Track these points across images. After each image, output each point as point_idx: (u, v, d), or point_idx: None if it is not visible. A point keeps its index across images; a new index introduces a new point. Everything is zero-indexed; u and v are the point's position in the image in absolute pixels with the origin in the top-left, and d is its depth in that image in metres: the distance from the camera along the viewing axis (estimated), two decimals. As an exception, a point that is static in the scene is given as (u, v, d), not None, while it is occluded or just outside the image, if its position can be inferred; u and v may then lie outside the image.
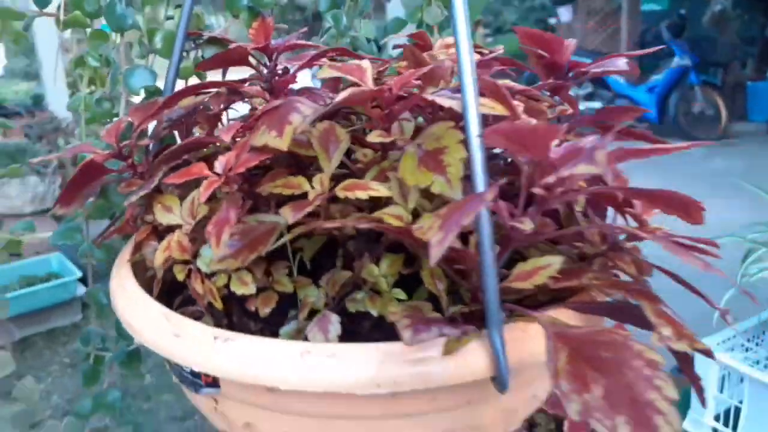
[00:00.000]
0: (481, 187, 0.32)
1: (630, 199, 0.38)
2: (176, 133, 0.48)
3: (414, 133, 0.39)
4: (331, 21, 0.59)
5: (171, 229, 0.41)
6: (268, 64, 0.52)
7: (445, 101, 0.34)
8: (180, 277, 0.39)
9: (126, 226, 0.43)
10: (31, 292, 2.14)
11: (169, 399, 1.86)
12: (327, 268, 0.43)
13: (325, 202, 0.34)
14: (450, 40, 0.48)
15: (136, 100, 0.53)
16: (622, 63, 0.45)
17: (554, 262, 0.34)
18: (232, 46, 0.51)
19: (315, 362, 0.35)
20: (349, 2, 0.60)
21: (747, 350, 1.15)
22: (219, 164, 0.35)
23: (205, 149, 0.42)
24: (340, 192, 0.35)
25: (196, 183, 0.45)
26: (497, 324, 0.34)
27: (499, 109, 0.34)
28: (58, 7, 0.51)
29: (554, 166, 0.32)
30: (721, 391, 1.14)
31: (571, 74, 0.51)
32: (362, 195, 0.35)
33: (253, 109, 0.49)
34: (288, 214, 0.33)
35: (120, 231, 0.44)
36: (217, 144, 0.42)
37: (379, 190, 0.35)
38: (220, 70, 0.54)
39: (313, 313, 0.40)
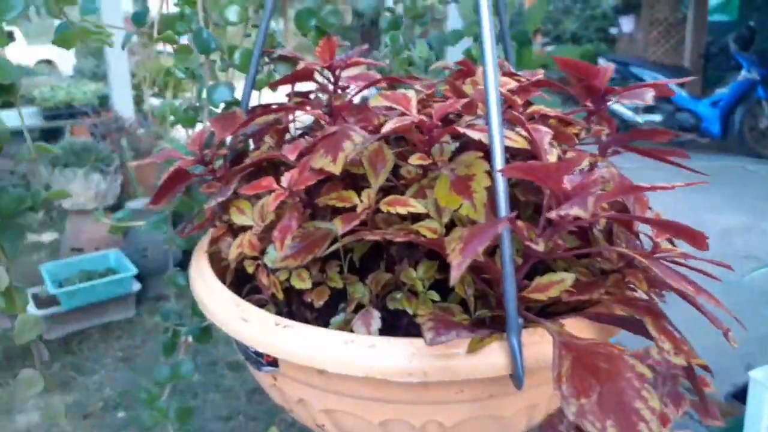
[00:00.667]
0: (503, 212, 0.37)
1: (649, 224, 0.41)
2: (251, 141, 0.55)
3: (452, 156, 0.44)
4: (389, 42, 0.65)
5: (243, 228, 0.48)
6: (331, 79, 0.58)
7: (475, 134, 0.39)
8: (249, 270, 0.46)
9: (206, 222, 0.50)
10: (89, 287, 2.22)
11: (215, 398, 1.91)
12: (373, 268, 0.49)
13: (371, 214, 0.40)
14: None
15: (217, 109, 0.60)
16: (648, 96, 0.48)
17: (567, 278, 0.39)
18: (300, 65, 0.58)
19: (357, 351, 0.41)
20: (407, 22, 0.66)
21: None
22: (285, 180, 0.42)
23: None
24: (383, 206, 0.41)
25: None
26: (515, 328, 0.39)
27: (520, 143, 0.39)
28: (151, 25, 0.59)
29: (568, 197, 0.37)
30: None
31: (607, 97, 0.55)
32: (402, 210, 0.41)
33: (316, 122, 0.55)
34: (339, 225, 0.39)
35: (201, 227, 0.51)
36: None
37: (417, 207, 0.41)
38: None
39: (359, 308, 0.46)
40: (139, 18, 0.57)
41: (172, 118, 0.63)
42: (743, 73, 4.48)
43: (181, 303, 0.72)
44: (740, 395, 1.24)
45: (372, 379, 0.42)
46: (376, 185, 0.43)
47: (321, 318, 0.49)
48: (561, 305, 0.45)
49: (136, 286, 2.36)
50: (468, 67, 0.52)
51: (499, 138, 0.37)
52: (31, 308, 2.14)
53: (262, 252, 0.46)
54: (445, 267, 0.46)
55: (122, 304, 2.37)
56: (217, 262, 0.53)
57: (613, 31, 6.77)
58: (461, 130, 0.39)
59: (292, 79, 0.56)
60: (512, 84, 0.49)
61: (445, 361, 0.40)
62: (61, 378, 1.99)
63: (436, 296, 0.45)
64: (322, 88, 0.58)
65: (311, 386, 0.46)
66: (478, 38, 0.75)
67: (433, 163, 0.43)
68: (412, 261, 0.45)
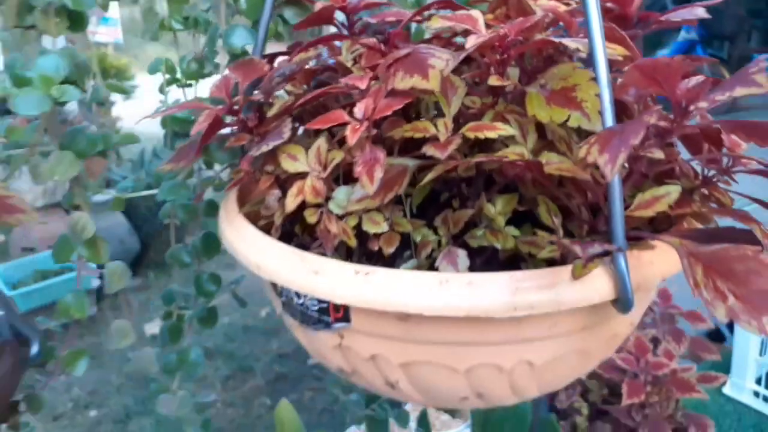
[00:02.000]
0: (609, 121, 0.35)
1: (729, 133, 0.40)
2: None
3: (523, 78, 0.42)
4: None
5: (295, 176, 0.43)
6: (346, 22, 0.54)
7: (572, 43, 0.36)
8: (312, 219, 0.42)
9: (245, 176, 0.45)
10: (45, 286, 2.13)
11: (189, 387, 1.90)
12: (428, 214, 0.46)
13: (457, 142, 0.37)
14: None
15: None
16: (700, 11, 0.47)
17: (672, 191, 0.37)
18: (318, 6, 0.53)
19: (454, 290, 0.38)
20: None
21: None
22: (358, 110, 0.38)
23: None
24: (468, 133, 0.38)
25: (307, 135, 0.48)
26: (623, 249, 0.37)
27: (620, 51, 0.37)
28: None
29: (679, 101, 0.35)
30: (762, 354, 1.17)
31: (639, 25, 0.54)
32: (491, 134, 0.38)
33: (333, 66, 0.51)
34: (434, 151, 0.36)
35: (239, 182, 0.46)
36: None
37: (506, 129, 0.38)
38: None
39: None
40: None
41: (168, 76, 0.57)
42: (682, 34, 4.67)
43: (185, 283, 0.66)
44: (713, 335, 1.30)
45: (465, 321, 0.39)
46: (450, 113, 0.40)
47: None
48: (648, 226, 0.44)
49: (96, 283, 2.23)
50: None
51: (602, 45, 0.35)
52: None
53: (326, 199, 0.41)
54: (520, 200, 0.44)
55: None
56: (252, 222, 0.48)
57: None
58: (557, 40, 0.36)
59: (315, 20, 0.52)
60: (563, 7, 0.47)
61: (550, 292, 0.38)
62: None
63: (515, 231, 0.42)
64: (339, 33, 0.54)
65: (389, 338, 0.42)
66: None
67: (502, 88, 0.41)
68: (490, 195, 0.42)
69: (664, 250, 0.42)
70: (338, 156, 0.40)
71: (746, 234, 0.38)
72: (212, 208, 0.63)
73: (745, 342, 1.18)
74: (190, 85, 0.58)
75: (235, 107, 0.46)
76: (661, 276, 0.41)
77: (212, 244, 0.64)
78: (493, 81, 0.39)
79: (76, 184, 0.48)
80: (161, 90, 0.56)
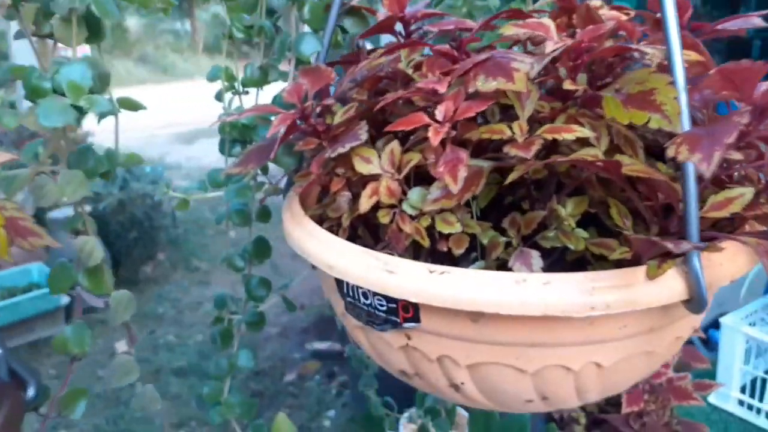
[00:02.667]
0: (687, 124, 0.36)
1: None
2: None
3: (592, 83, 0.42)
4: None
5: (365, 179, 0.44)
6: (403, 32, 0.56)
7: (650, 50, 0.37)
8: (385, 220, 0.43)
9: (318, 179, 0.46)
10: (12, 304, 2.09)
11: (164, 405, 1.88)
12: (493, 216, 0.46)
13: (539, 142, 0.37)
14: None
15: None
16: (757, 20, 0.48)
17: (746, 192, 0.38)
18: (380, 16, 0.55)
19: (531, 289, 0.38)
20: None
21: None
22: (439, 113, 0.39)
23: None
24: (546, 134, 0.39)
25: (373, 138, 0.49)
26: (697, 250, 0.38)
27: (694, 57, 0.38)
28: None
29: (755, 104, 0.36)
30: (746, 363, 1.17)
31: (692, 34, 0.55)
32: (569, 136, 0.38)
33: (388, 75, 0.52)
34: (517, 152, 0.37)
35: (313, 184, 0.47)
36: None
37: (583, 131, 0.38)
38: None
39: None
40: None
41: (226, 83, 0.58)
42: None
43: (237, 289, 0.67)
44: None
45: (537, 321, 0.40)
46: (524, 116, 0.41)
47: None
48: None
49: (65, 300, 2.21)
50: (569, 3, 0.50)
51: (680, 51, 0.36)
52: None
53: (399, 200, 0.42)
54: (590, 203, 0.44)
55: (50, 319, 2.24)
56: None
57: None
58: (633, 47, 0.37)
59: (376, 30, 0.53)
60: (623, 17, 0.48)
61: (626, 291, 0.38)
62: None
63: (584, 233, 0.43)
64: (398, 42, 0.55)
65: (459, 339, 0.43)
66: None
67: (574, 92, 0.42)
68: (559, 198, 0.43)
69: (734, 252, 0.43)
70: (415, 157, 0.41)
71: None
72: (265, 214, 0.64)
73: (730, 351, 1.18)
74: (247, 93, 0.60)
75: (307, 112, 0.47)
76: (730, 277, 0.42)
77: (264, 249, 0.65)
78: (568, 85, 0.40)
79: (80, 206, 0.48)
80: (219, 98, 0.57)
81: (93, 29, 0.45)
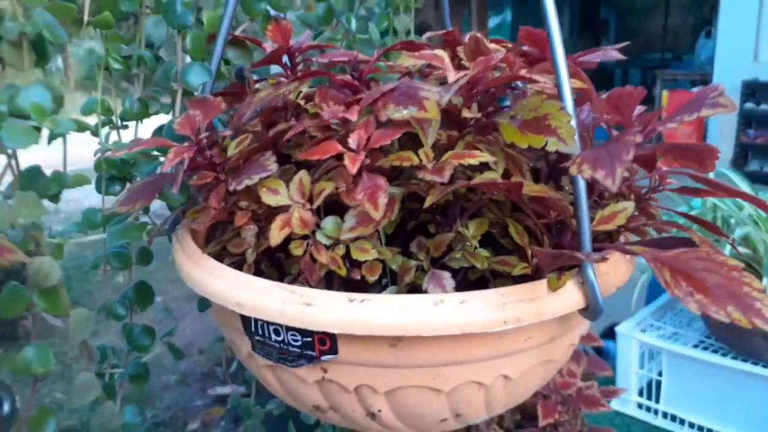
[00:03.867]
0: (578, 149, 0.40)
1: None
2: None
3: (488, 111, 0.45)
4: (345, 23, 0.64)
5: (273, 211, 0.43)
6: (288, 63, 0.56)
7: (540, 77, 0.41)
8: (298, 252, 0.42)
9: (219, 214, 0.44)
10: None
11: None
12: (396, 242, 0.48)
13: (451, 167, 0.39)
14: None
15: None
16: (615, 53, 0.54)
17: (628, 206, 0.42)
18: (268, 48, 0.54)
19: (449, 309, 0.39)
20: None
21: (658, 329, 1.32)
22: (353, 141, 0.39)
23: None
24: (452, 160, 0.41)
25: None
26: (591, 261, 0.41)
27: (578, 84, 0.42)
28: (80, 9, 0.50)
29: (632, 126, 0.40)
30: (642, 367, 1.29)
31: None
32: (473, 161, 0.41)
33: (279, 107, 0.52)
34: (432, 177, 0.38)
35: (212, 219, 0.45)
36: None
37: (485, 156, 0.41)
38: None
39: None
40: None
41: (103, 117, 0.54)
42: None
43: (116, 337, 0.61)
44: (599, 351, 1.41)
45: (453, 340, 0.41)
46: (428, 143, 0.43)
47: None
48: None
49: None
50: (452, 37, 0.53)
51: (568, 79, 0.40)
52: None
53: (312, 231, 0.42)
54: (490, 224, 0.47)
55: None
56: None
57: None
58: (526, 75, 0.41)
59: (267, 61, 0.52)
60: (502, 49, 0.52)
61: (534, 305, 0.41)
62: None
63: (486, 252, 0.45)
64: (285, 73, 0.55)
65: (377, 366, 0.43)
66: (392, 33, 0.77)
67: (468, 120, 0.44)
68: (462, 220, 0.45)
69: (616, 262, 0.47)
70: (328, 186, 0.41)
71: (686, 241, 0.44)
72: (146, 256, 0.60)
73: (625, 356, 1.29)
74: (126, 127, 0.56)
75: (202, 144, 0.45)
76: (616, 285, 0.46)
77: (146, 294, 0.60)
78: (466, 113, 0.42)
79: (33, 227, 0.44)
80: (96, 132, 0.53)
81: (40, 53, 0.43)
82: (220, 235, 0.51)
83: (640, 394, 1.26)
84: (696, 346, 1.22)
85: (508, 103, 0.57)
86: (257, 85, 0.57)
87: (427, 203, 0.39)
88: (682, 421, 1.21)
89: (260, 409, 0.83)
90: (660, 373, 1.23)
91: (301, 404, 0.49)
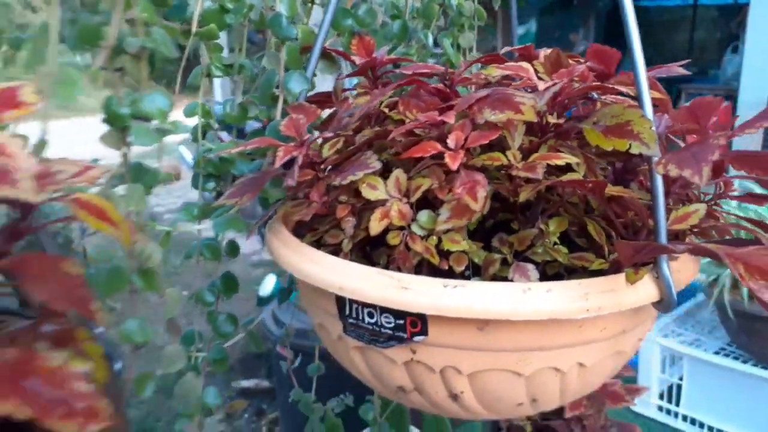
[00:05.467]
0: (659, 152, 0.43)
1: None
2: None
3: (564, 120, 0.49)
4: (423, 39, 0.69)
5: (371, 205, 0.47)
6: (371, 74, 0.61)
7: (622, 88, 0.45)
8: (395, 241, 0.46)
9: (321, 208, 0.49)
10: None
11: None
12: (476, 237, 0.51)
13: (542, 165, 0.43)
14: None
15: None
16: (679, 69, 0.58)
17: (701, 208, 0.46)
18: (357, 61, 0.59)
19: (537, 296, 0.43)
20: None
21: (679, 335, 1.34)
22: (451, 141, 0.43)
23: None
24: (539, 161, 0.45)
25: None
26: (666, 256, 0.45)
27: (656, 94, 0.46)
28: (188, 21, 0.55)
29: (707, 133, 0.44)
30: (663, 372, 1.31)
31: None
32: (559, 162, 0.44)
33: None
34: (527, 174, 0.42)
35: (314, 211, 0.49)
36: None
37: (569, 157, 0.45)
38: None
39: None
40: (179, 12, 0.54)
41: (203, 120, 0.59)
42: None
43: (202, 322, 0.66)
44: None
45: (536, 326, 0.45)
46: (515, 146, 0.47)
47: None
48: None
49: None
50: (528, 51, 0.57)
51: (648, 90, 0.44)
52: None
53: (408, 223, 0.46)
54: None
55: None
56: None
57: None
58: (611, 85, 0.45)
59: (360, 72, 0.57)
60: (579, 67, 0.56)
61: (614, 296, 0.44)
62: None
63: (564, 249, 0.49)
64: (368, 84, 0.60)
65: (464, 348, 0.47)
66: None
67: (554, 125, 0.48)
68: (544, 218, 0.49)
69: (686, 260, 0.51)
70: (426, 182, 0.45)
71: (753, 242, 0.47)
72: (234, 249, 0.65)
73: (648, 361, 1.31)
74: (224, 130, 0.61)
75: (307, 145, 0.50)
76: (685, 282, 0.49)
77: (232, 284, 0.65)
78: (551, 119, 0.46)
79: (138, 215, 0.49)
80: (194, 135, 0.58)
81: (152, 65, 0.49)
82: (304, 232, 0.55)
83: (661, 397, 1.28)
84: (717, 353, 1.23)
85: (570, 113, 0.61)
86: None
87: (522, 198, 0.43)
88: (701, 425, 1.22)
89: (321, 407, 0.87)
90: (681, 378, 1.25)
91: (386, 386, 0.53)
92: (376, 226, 0.46)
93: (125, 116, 0.45)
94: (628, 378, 1.12)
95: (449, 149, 0.43)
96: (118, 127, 0.47)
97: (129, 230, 0.32)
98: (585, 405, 0.80)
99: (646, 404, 1.31)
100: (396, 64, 0.64)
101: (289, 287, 0.75)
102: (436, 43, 0.75)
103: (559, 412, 0.84)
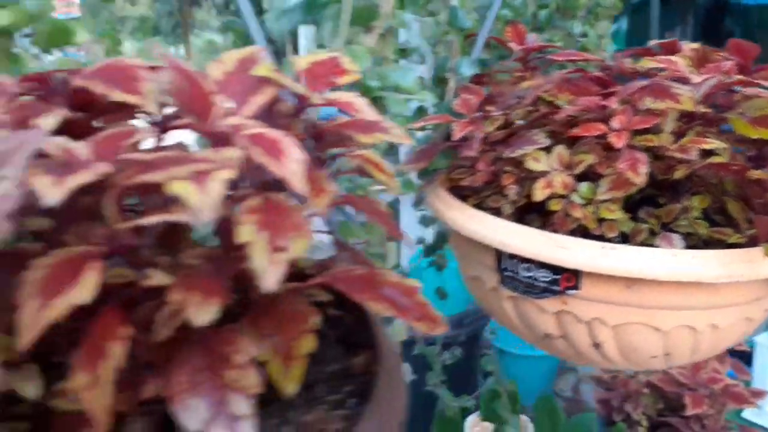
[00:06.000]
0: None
1: None
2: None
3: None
4: (569, 27, 0.76)
5: (529, 176, 0.55)
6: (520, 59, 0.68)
7: (765, 82, 0.50)
8: (556, 207, 0.54)
9: (484, 176, 0.57)
10: None
11: None
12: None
13: (696, 147, 0.50)
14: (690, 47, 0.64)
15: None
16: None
17: (839, 191, 0.51)
18: (514, 47, 0.67)
19: (684, 260, 0.50)
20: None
21: None
22: (616, 123, 0.51)
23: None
24: (692, 144, 0.51)
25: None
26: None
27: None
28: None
29: None
30: None
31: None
32: (708, 146, 0.51)
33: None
34: (682, 155, 0.49)
35: (481, 179, 0.58)
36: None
37: (717, 143, 0.51)
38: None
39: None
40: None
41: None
42: None
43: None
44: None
45: (678, 287, 0.52)
46: (668, 129, 0.53)
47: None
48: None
49: None
50: (672, 45, 0.63)
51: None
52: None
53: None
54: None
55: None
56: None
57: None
58: (756, 81, 0.50)
59: (519, 59, 0.65)
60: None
61: (751, 265, 0.51)
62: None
63: (705, 223, 0.55)
64: (521, 66, 0.68)
65: (611, 303, 0.54)
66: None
67: (697, 114, 0.54)
68: (688, 195, 0.55)
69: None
70: (588, 158, 0.52)
71: None
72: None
73: (763, 366, 1.31)
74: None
75: (477, 121, 0.58)
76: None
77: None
78: (702, 108, 0.52)
79: None
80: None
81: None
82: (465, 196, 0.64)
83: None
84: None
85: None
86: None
87: (677, 176, 0.50)
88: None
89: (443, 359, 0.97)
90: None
91: (533, 332, 0.61)
92: (539, 194, 0.54)
93: (374, 88, 0.55)
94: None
95: (614, 130, 0.50)
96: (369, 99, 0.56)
97: (396, 182, 0.41)
98: (707, 404, 0.85)
99: (761, 414, 1.29)
100: (542, 50, 0.71)
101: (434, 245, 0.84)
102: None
103: (675, 409, 0.89)
